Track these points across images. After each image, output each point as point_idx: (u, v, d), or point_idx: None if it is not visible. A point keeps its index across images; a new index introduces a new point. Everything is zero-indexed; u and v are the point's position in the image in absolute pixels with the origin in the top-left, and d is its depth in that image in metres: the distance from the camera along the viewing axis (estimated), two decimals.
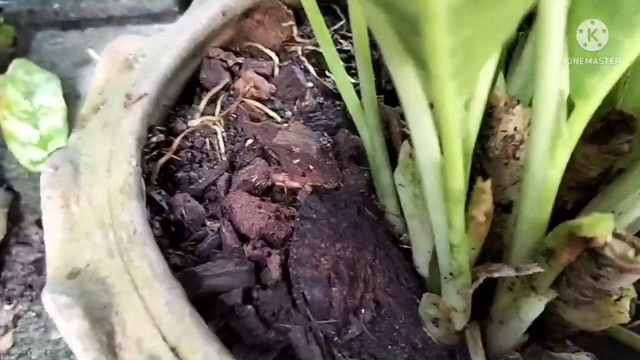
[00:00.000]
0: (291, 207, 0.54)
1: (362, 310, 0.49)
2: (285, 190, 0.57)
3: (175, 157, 0.59)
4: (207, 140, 0.62)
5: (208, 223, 0.53)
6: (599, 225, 0.35)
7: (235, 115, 0.65)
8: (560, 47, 0.30)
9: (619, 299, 0.43)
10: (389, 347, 0.48)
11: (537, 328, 0.50)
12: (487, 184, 0.38)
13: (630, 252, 0.36)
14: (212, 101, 0.67)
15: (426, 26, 0.19)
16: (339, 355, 0.47)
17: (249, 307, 0.47)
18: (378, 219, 0.53)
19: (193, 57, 0.68)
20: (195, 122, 0.63)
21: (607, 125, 0.51)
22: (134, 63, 0.64)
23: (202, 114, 0.65)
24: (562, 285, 0.43)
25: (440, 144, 0.33)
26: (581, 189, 0.55)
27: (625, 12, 0.28)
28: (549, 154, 0.35)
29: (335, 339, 0.47)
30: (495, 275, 0.41)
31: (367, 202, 0.53)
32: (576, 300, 0.43)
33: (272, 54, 0.73)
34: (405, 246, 0.56)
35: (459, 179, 0.34)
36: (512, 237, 0.43)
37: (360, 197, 0.53)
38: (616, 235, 0.38)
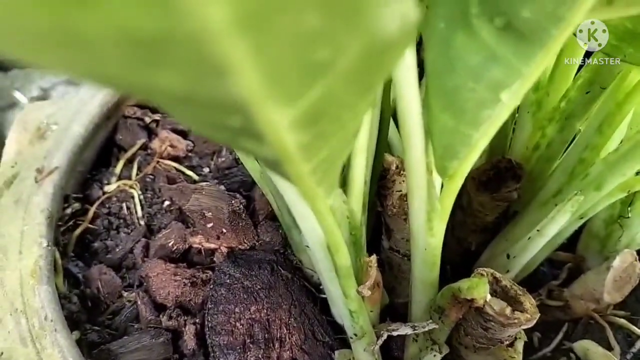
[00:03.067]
0: (208, 271, 0.55)
1: None
2: (203, 251, 0.58)
3: (91, 226, 0.60)
4: (124, 204, 0.63)
5: (125, 294, 0.54)
6: (476, 289, 0.38)
7: (152, 176, 0.66)
8: (421, 139, 0.33)
9: (511, 344, 0.46)
10: None
11: None
12: (373, 259, 0.40)
13: (508, 310, 0.39)
14: (130, 162, 0.68)
15: (286, 165, 0.21)
16: None
17: None
18: (293, 275, 0.55)
19: (107, 119, 0.69)
20: (111, 187, 0.64)
21: (497, 173, 0.55)
22: (46, 132, 0.64)
23: (119, 178, 0.65)
24: (461, 334, 0.46)
25: None
26: (482, 232, 0.59)
27: (470, 110, 0.31)
28: (426, 225, 0.38)
29: None
30: (395, 333, 0.44)
31: (281, 259, 0.55)
32: (474, 346, 0.46)
33: None
34: (324, 295, 0.58)
35: (344, 257, 0.36)
36: (411, 293, 0.46)
37: (274, 256, 0.55)
38: (496, 291, 0.41)
